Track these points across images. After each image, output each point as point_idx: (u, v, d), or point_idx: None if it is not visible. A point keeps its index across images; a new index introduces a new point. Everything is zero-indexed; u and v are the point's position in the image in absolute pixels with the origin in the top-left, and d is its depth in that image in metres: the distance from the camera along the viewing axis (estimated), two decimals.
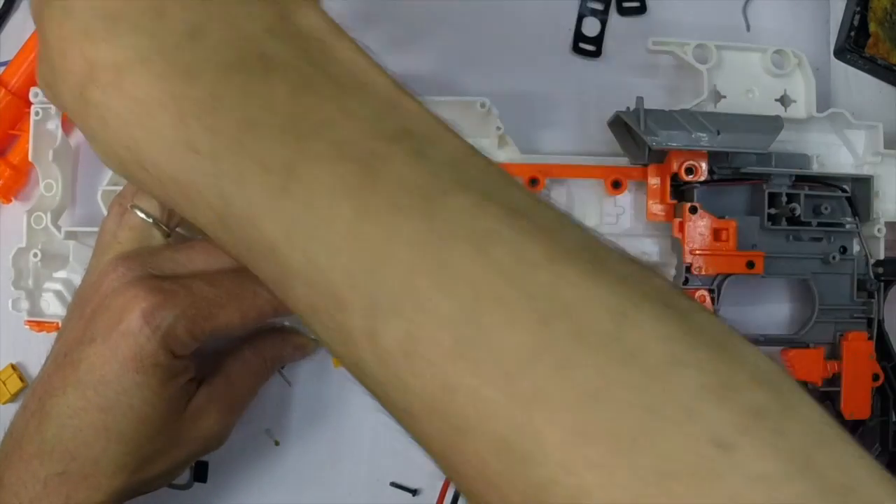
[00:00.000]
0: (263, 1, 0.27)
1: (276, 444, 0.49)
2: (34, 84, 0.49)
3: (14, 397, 0.49)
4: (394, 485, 0.49)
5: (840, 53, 0.50)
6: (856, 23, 0.48)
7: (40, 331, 0.46)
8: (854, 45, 0.49)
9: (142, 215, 0.38)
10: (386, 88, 0.27)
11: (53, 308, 0.47)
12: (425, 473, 0.48)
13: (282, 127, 0.25)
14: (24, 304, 0.46)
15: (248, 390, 0.42)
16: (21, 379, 0.49)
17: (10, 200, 0.50)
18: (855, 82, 0.51)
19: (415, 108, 0.27)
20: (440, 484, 0.48)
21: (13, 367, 0.49)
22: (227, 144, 0.25)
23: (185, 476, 0.48)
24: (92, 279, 0.38)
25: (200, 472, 0.48)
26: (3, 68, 0.50)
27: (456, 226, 0.23)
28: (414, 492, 0.48)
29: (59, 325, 0.46)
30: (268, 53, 0.26)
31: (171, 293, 0.36)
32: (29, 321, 0.46)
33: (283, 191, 0.24)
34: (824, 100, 0.50)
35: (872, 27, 0.48)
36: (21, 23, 0.51)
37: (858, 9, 0.48)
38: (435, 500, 0.48)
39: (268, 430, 0.49)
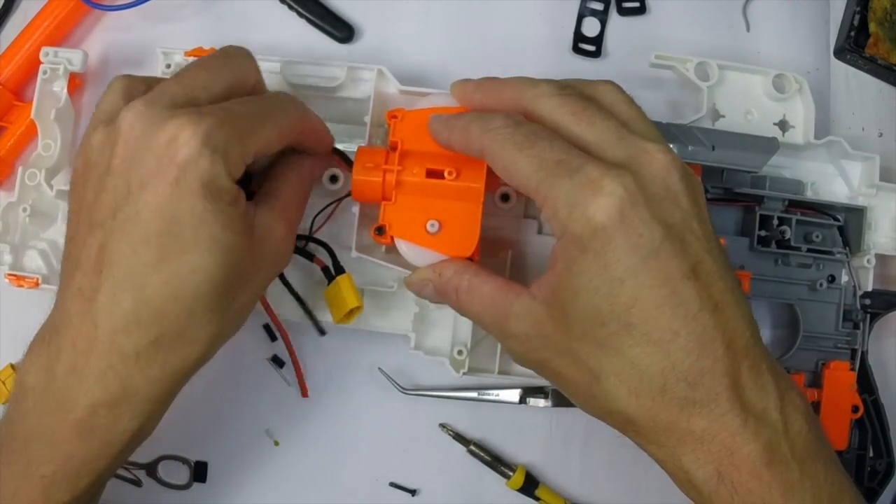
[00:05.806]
0: None
1: (276, 444, 0.48)
2: (24, 77, 0.50)
3: None
4: (393, 485, 0.48)
5: (840, 53, 0.50)
6: (856, 23, 0.49)
7: (19, 285, 0.46)
8: (854, 45, 0.49)
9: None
10: None
11: (36, 265, 0.47)
12: (425, 473, 0.48)
13: None
14: (8, 258, 0.46)
15: (301, 198, 0.41)
16: None
17: None
18: (855, 82, 0.51)
19: None
20: (440, 484, 0.48)
21: (13, 366, 0.48)
22: None
23: (185, 476, 0.47)
24: (97, 140, 0.35)
25: (200, 472, 0.48)
26: None
27: None
28: (413, 492, 0.48)
29: (39, 280, 0.46)
30: None
31: (211, 114, 0.34)
32: (9, 274, 0.46)
33: None
34: (824, 100, 0.50)
35: (872, 27, 0.49)
36: (21, 23, 0.51)
37: (858, 9, 0.49)
38: (434, 500, 0.48)
39: (268, 430, 0.48)
